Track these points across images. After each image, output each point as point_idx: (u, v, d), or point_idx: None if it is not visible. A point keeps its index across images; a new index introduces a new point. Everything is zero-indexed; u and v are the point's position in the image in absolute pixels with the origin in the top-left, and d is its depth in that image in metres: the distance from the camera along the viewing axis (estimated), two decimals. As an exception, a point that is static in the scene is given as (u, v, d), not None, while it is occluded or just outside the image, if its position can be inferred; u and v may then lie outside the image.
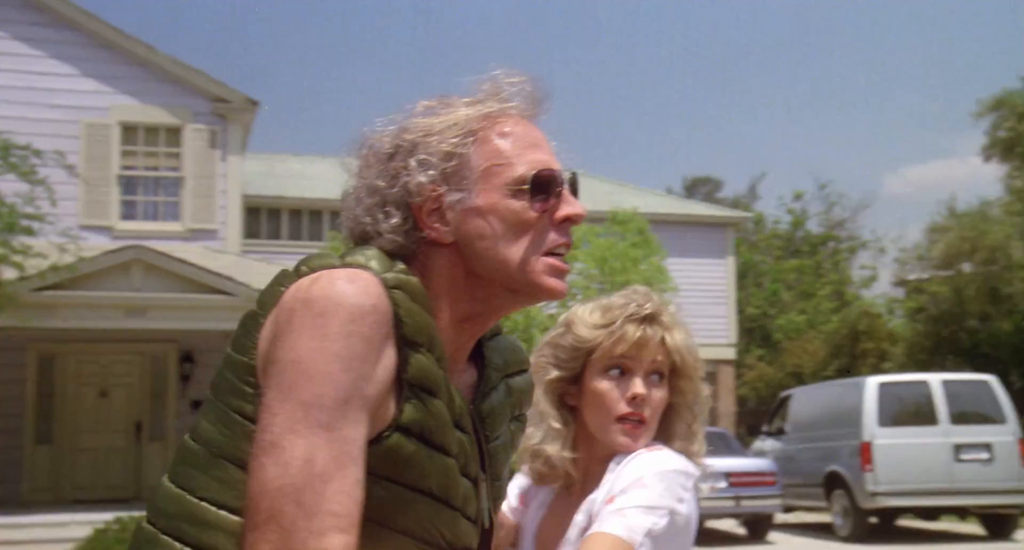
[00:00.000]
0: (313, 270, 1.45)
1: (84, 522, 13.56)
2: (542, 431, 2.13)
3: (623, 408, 2.08)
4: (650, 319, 2.12)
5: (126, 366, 17.81)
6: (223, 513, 1.42)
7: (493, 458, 1.62)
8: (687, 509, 2.02)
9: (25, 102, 17.48)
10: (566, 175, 1.60)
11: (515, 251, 1.54)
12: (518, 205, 1.54)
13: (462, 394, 1.56)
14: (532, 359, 2.12)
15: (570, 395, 2.15)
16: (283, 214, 22.53)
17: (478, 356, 1.66)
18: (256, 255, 20.52)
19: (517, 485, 2.30)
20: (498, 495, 1.66)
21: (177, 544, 1.42)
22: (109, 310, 15.05)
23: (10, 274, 12.22)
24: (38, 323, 14.74)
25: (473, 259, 1.55)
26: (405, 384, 1.44)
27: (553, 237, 1.56)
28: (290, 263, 1.61)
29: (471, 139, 1.56)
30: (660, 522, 1.96)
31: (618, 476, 2.04)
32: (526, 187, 1.54)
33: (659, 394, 2.11)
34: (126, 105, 18.10)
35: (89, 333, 16.19)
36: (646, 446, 2.11)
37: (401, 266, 1.51)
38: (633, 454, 2.08)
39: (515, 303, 1.61)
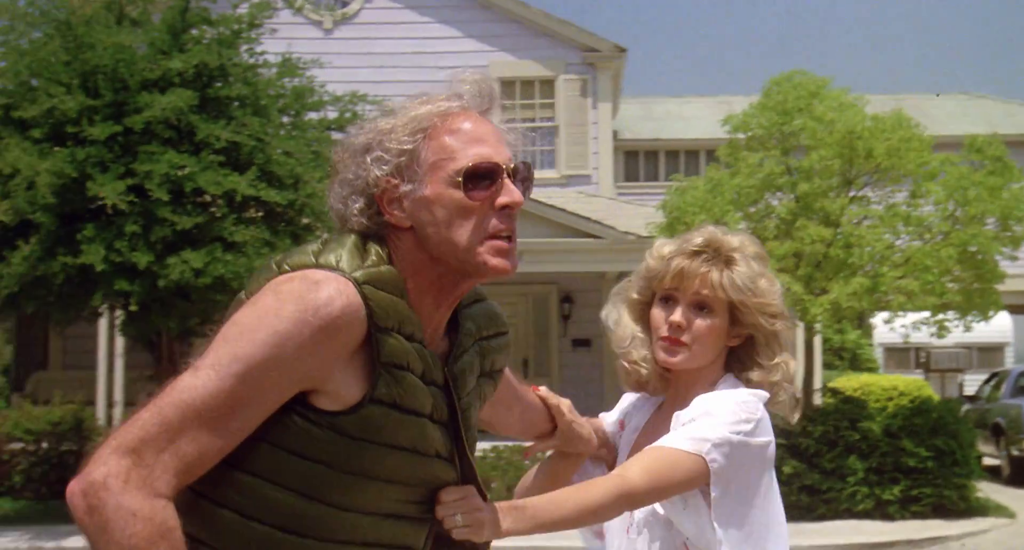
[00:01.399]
0: (293, 269, 1.74)
1: (480, 449, 14.76)
2: (628, 340, 2.37)
3: (663, 331, 2.29)
4: (697, 254, 2.28)
5: (512, 307, 19.01)
6: (226, 468, 1.72)
7: (464, 411, 1.89)
8: (757, 431, 2.19)
9: (415, 66, 18.96)
10: (510, 166, 1.81)
11: (459, 235, 1.77)
12: (459, 194, 1.77)
13: (437, 358, 1.83)
14: (622, 283, 2.43)
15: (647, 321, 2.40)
16: (660, 155, 22.91)
17: (455, 322, 1.93)
18: (633, 197, 21.06)
19: (618, 410, 2.53)
20: (471, 442, 1.92)
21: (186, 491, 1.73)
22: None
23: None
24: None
25: (427, 242, 1.79)
26: (379, 365, 1.73)
27: (495, 223, 1.78)
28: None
29: (421, 136, 1.79)
30: (730, 438, 2.15)
31: (692, 408, 2.23)
32: (460, 179, 1.76)
33: (703, 323, 2.27)
34: (503, 61, 19.14)
35: (477, 277, 17.45)
36: (722, 381, 2.31)
37: (372, 258, 1.77)
38: (713, 392, 2.27)
39: (469, 280, 1.84)
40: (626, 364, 2.37)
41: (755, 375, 2.31)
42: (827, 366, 20.35)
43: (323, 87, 12.79)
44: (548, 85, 19.15)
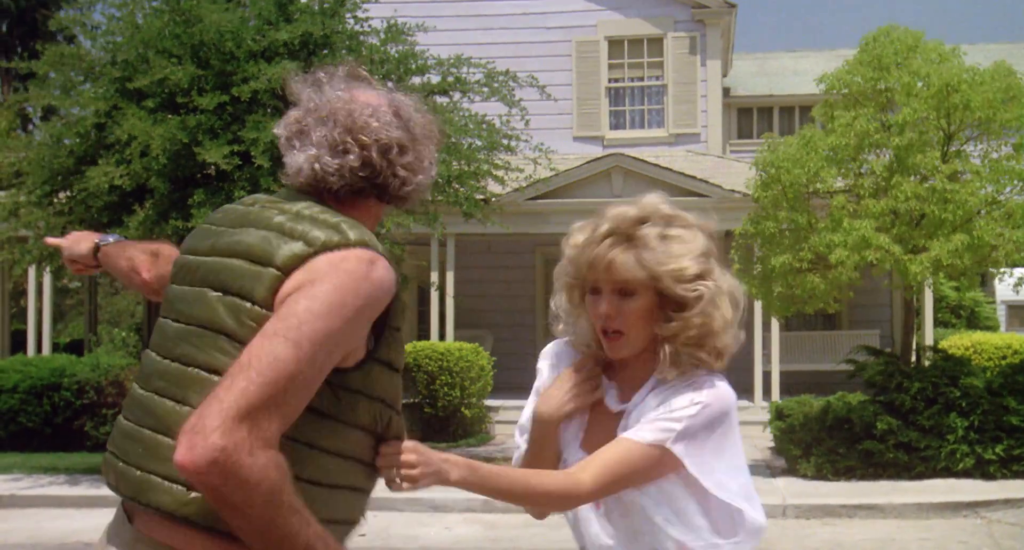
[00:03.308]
0: (328, 247, 1.94)
1: None
2: (571, 327, 2.42)
3: (599, 325, 2.31)
4: (606, 236, 2.27)
5: (620, 266, 19.13)
6: (203, 374, 1.93)
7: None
8: (714, 403, 2.25)
9: (524, 27, 19.12)
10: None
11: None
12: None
13: None
14: (558, 267, 2.42)
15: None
16: (774, 111, 22.63)
17: None
18: (747, 154, 20.91)
19: (549, 366, 2.50)
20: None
21: (168, 402, 1.96)
22: (592, 215, 16.29)
23: (494, 187, 13.71)
24: (534, 229, 16.40)
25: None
26: (388, 328, 2.01)
27: None
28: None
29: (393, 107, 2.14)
30: (692, 418, 2.22)
31: (648, 403, 2.30)
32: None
33: (631, 308, 2.26)
34: (611, 20, 19.16)
35: (585, 236, 17.62)
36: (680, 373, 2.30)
37: (369, 234, 2.01)
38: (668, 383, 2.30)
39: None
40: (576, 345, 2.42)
41: (665, 331, 2.27)
42: (944, 324, 19.98)
43: (426, 52, 13.06)
44: (656, 43, 19.11)
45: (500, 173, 13.24)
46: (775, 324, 15.39)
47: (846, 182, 11.52)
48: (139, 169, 10.65)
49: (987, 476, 11.29)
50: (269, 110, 11.09)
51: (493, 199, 13.55)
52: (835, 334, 18.23)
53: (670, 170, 16.35)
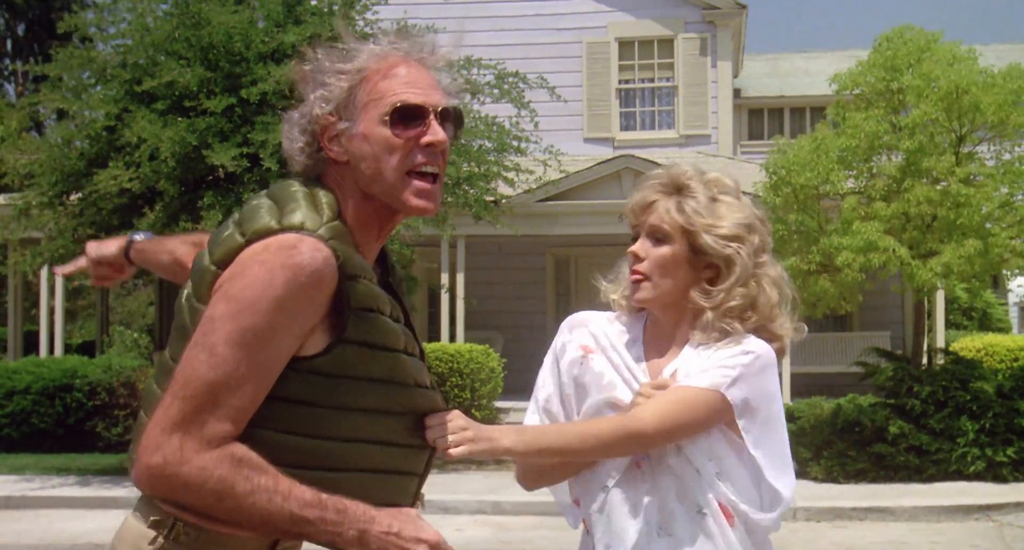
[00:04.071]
0: (260, 236, 1.89)
1: None
2: (616, 283, 2.47)
3: (628, 267, 2.37)
4: (653, 186, 2.34)
5: (630, 267, 19.12)
6: None
7: (408, 315, 2.13)
8: (766, 362, 2.28)
9: (534, 28, 19.11)
10: (437, 108, 1.99)
11: (387, 170, 1.97)
12: (386, 132, 1.96)
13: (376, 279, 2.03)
14: None
15: None
16: (785, 113, 22.59)
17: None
18: (757, 155, 20.88)
19: (571, 349, 2.46)
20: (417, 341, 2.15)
21: (160, 393, 1.95)
22: (602, 217, 16.29)
23: (504, 189, 13.72)
24: (544, 230, 16.41)
25: (361, 177, 1.99)
26: (349, 309, 1.94)
27: (419, 159, 1.97)
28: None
29: (360, 79, 1.99)
30: (746, 367, 2.25)
31: (691, 361, 2.31)
32: (388, 118, 1.95)
33: (658, 252, 2.30)
34: (622, 21, 19.13)
35: (596, 237, 17.61)
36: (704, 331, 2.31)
37: (327, 213, 1.94)
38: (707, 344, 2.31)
39: (399, 215, 2.05)
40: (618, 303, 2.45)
41: (706, 301, 2.30)
42: (955, 326, 19.91)
43: (436, 54, 13.06)
44: (667, 45, 19.08)
45: (510, 175, 13.24)
46: (786, 326, 15.32)
47: (857, 184, 11.49)
48: (148, 172, 10.69)
49: (998, 479, 11.25)
50: (278, 112, 11.11)
51: (503, 201, 13.56)
52: (846, 336, 18.18)
53: (680, 172, 16.31)
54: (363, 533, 1.90)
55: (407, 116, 1.97)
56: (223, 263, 1.92)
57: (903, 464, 11.36)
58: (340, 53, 2.02)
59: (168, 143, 10.39)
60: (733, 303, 2.29)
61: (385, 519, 1.93)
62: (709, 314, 2.29)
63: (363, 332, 1.95)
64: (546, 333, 18.74)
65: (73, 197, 12.06)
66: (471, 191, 12.64)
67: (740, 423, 2.23)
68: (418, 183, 1.98)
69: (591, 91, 18.95)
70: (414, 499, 2.09)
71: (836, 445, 11.54)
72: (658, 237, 2.30)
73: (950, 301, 19.16)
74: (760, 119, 22.67)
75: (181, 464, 1.82)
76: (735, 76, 20.38)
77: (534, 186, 14.52)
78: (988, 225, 11.18)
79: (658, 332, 2.40)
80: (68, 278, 15.93)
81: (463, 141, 12.68)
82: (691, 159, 18.00)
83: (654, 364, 2.37)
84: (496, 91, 13.34)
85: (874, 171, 11.39)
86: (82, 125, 11.82)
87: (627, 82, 19.16)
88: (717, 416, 2.24)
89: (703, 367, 2.26)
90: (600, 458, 2.31)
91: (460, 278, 16.14)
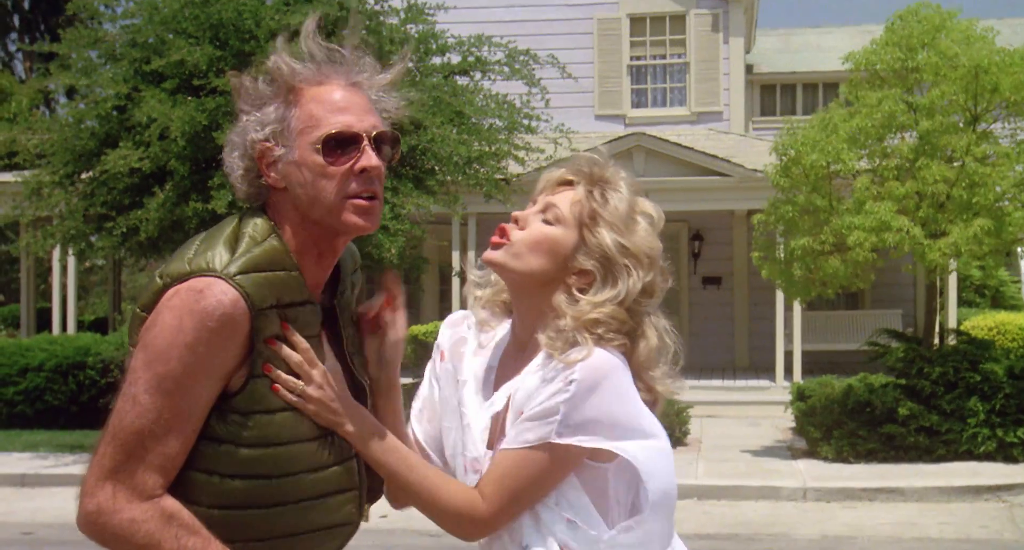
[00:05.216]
0: (174, 280, 1.90)
1: None
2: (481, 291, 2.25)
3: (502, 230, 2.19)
4: (569, 169, 2.14)
5: (643, 245, 19.08)
6: None
7: (350, 338, 2.10)
8: (585, 379, 1.97)
9: (545, 5, 19.00)
10: (371, 133, 1.96)
11: (324, 196, 1.95)
12: (320, 160, 1.95)
13: (319, 310, 2.01)
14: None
15: None
16: (797, 89, 22.44)
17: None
18: (769, 132, 20.77)
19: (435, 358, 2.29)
20: (361, 365, 2.11)
21: None
22: (613, 195, 16.26)
23: (515, 168, 13.69)
24: (555, 209, 16.34)
25: (299, 203, 1.98)
26: (255, 345, 1.92)
27: (354, 186, 1.95)
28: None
29: (294, 104, 1.97)
30: (564, 400, 1.97)
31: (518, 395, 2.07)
32: (320, 146, 1.94)
33: (539, 227, 2.09)
34: (634, -3, 19.01)
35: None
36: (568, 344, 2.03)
37: (244, 242, 1.93)
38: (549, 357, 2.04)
39: (341, 237, 2.02)
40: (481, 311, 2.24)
41: (571, 310, 2.03)
42: (968, 304, 19.84)
43: (447, 31, 13.00)
44: (679, 20, 18.97)
45: (520, 154, 13.19)
46: (797, 304, 15.32)
47: (870, 163, 11.42)
48: (158, 152, 10.68)
49: (1009, 459, 11.24)
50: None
51: (514, 179, 13.54)
52: (858, 313, 18.15)
53: (692, 149, 16.26)
54: None
55: (340, 142, 1.96)
56: (147, 307, 1.93)
57: (913, 444, 11.35)
58: (275, 76, 1.99)
59: (178, 123, 10.37)
60: (595, 316, 2.01)
61: None
62: (566, 321, 2.03)
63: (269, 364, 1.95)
64: (557, 310, 18.73)
65: (84, 176, 12.06)
66: (481, 170, 12.60)
67: (602, 446, 1.98)
68: (356, 202, 1.97)
69: (602, 68, 18.87)
70: (359, 514, 2.07)
71: (846, 425, 11.53)
72: (549, 218, 2.07)
73: (963, 279, 19.09)
74: (772, 95, 22.52)
75: (113, 513, 1.85)
76: (747, 52, 20.26)
77: (545, 164, 14.48)
78: (1003, 203, 11.11)
79: (515, 337, 2.18)
80: (80, 257, 15.98)
81: (474, 120, 12.62)
82: (703, 136, 17.92)
83: (502, 377, 2.16)
84: (507, 69, 13.28)
85: (888, 151, 11.31)
86: (92, 104, 11.81)
87: (639, 59, 19.06)
88: (558, 466, 2.00)
89: (526, 413, 2.01)
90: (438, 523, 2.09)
91: (471, 255, 16.13)
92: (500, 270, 2.11)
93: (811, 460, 11.67)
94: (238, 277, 1.90)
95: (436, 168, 12.30)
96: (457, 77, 13.24)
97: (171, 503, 1.88)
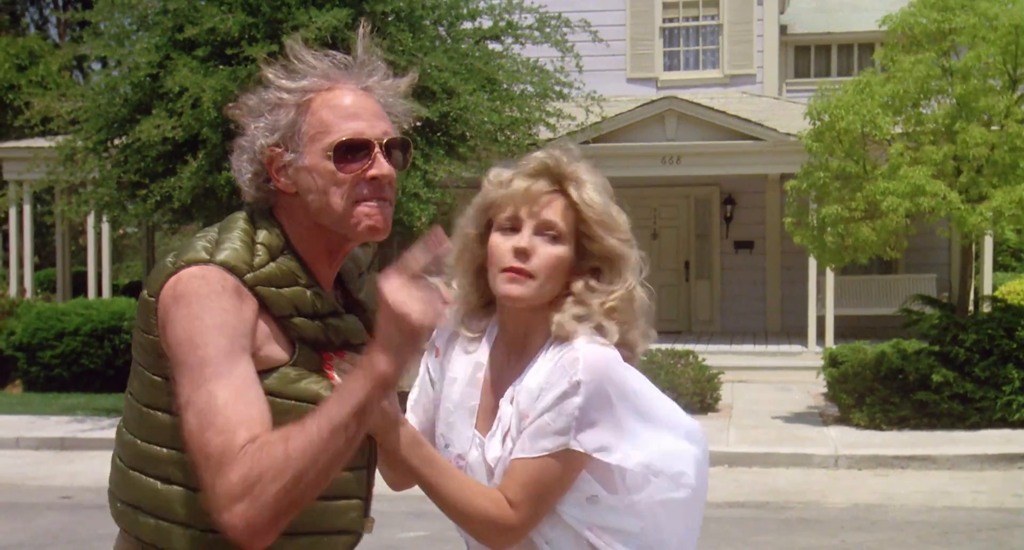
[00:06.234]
0: (188, 264, 1.87)
1: None
2: (456, 284, 2.21)
3: (507, 260, 2.08)
4: (540, 174, 2.12)
5: (674, 209, 19.03)
6: (165, 450, 1.90)
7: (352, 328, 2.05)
8: (598, 384, 2.03)
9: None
10: (382, 140, 1.94)
11: (334, 202, 1.93)
12: (331, 166, 1.93)
13: (332, 304, 1.99)
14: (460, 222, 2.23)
15: (481, 255, 2.17)
16: (832, 50, 22.15)
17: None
18: (803, 94, 20.56)
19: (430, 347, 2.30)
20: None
21: (143, 477, 1.93)
22: (645, 159, 16.20)
23: (546, 134, 13.64)
24: (586, 173, 16.30)
25: (309, 208, 1.96)
26: (298, 340, 1.91)
27: (365, 192, 1.93)
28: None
29: (305, 107, 1.94)
30: (579, 408, 2.02)
31: (525, 394, 2.09)
32: (331, 153, 1.92)
33: (550, 251, 2.08)
34: (666, -42, 18.80)
35: (640, 179, 17.51)
36: (571, 335, 2.09)
37: (260, 256, 1.90)
38: (560, 350, 2.09)
39: (351, 241, 2.01)
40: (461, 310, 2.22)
41: (593, 299, 2.10)
42: (1004, 267, 19.69)
43: (478, -6, 12.93)
44: (712, -19, 18.75)
45: (552, 120, 13.14)
46: (829, 268, 15.23)
47: (905, 128, 11.29)
48: (191, 120, 10.71)
49: (1044, 427, 11.18)
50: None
51: (546, 142, 13.49)
52: (891, 278, 18.03)
53: (724, 113, 16.13)
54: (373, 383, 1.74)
55: (352, 149, 1.94)
56: (156, 293, 1.90)
57: (947, 412, 11.31)
58: (285, 79, 1.96)
59: (210, 92, 10.39)
60: (613, 306, 2.10)
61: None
62: (586, 310, 2.09)
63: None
64: (588, 275, 18.73)
65: (117, 142, 12.13)
66: (513, 137, 12.56)
67: (607, 460, 2.03)
68: (366, 208, 1.94)
69: (634, 30, 18.70)
70: (362, 524, 2.04)
71: (879, 392, 11.49)
72: (553, 235, 2.09)
73: (999, 243, 18.91)
74: (806, 57, 22.24)
75: (248, 497, 1.68)
76: (781, 12, 20.02)
77: (576, 129, 14.43)
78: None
79: (507, 338, 2.19)
80: (113, 224, 16.11)
81: (505, 86, 12.57)
82: (736, 99, 17.77)
83: (496, 378, 2.18)
84: (537, 34, 13.20)
85: (923, 115, 11.17)
86: (125, 72, 11.84)
87: (671, 20, 18.88)
88: (576, 467, 2.05)
89: (537, 421, 2.04)
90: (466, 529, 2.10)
91: (502, 221, 16.11)
92: (525, 303, 2.10)
93: (843, 427, 11.66)
94: (258, 288, 1.89)
95: (467, 135, 12.28)
96: (488, 42, 13.17)
97: (269, 436, 1.72)
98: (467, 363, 2.22)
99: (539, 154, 2.15)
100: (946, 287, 17.28)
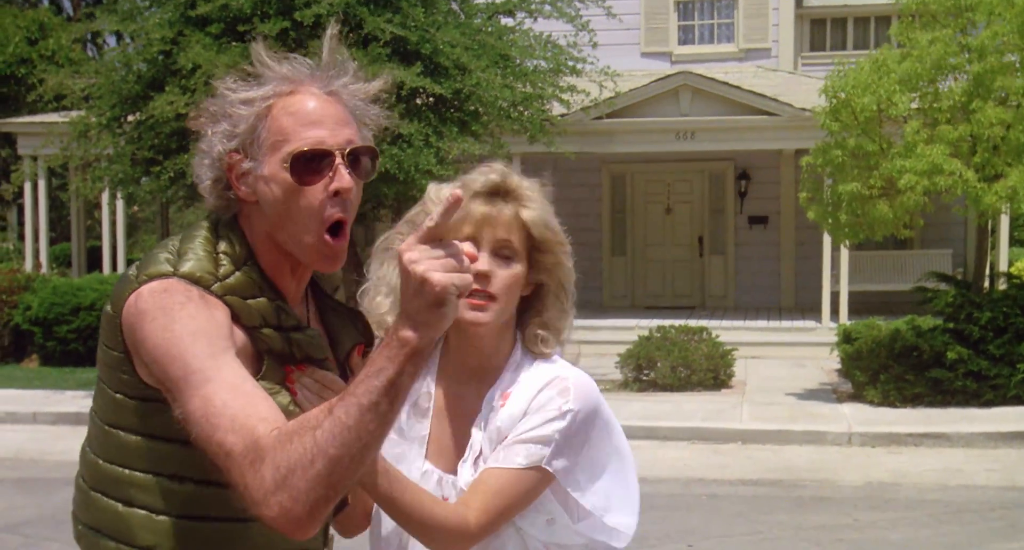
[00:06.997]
0: (151, 278, 1.78)
1: (647, 327, 14.65)
2: (389, 302, 2.10)
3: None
4: (495, 194, 2.07)
5: (688, 184, 18.97)
6: (126, 471, 1.83)
7: (336, 348, 2.02)
8: (583, 408, 2.06)
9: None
10: (344, 150, 1.80)
11: (295, 218, 1.81)
12: (289, 177, 1.80)
13: (295, 317, 1.90)
14: (387, 235, 2.15)
15: None
16: (848, 23, 21.98)
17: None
18: (819, 68, 20.42)
19: None
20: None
21: (104, 499, 1.87)
22: (659, 134, 16.13)
23: (559, 109, 13.60)
24: (600, 148, 16.28)
25: (268, 221, 1.85)
26: (264, 354, 1.83)
27: (329, 211, 1.80)
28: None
29: (265, 114, 1.81)
30: (561, 432, 2.03)
31: (508, 410, 2.07)
32: (288, 164, 1.79)
33: (507, 272, 2.05)
34: (681, -69, 18.65)
35: (653, 154, 17.46)
36: (540, 356, 2.12)
37: (224, 265, 1.82)
38: (528, 369, 2.10)
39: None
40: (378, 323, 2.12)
41: (549, 320, 2.12)
42: (1020, 243, 19.59)
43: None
44: (725, -46, 18.60)
45: (565, 96, 13.09)
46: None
47: (921, 105, 11.21)
48: (204, 97, 10.66)
49: (1059, 405, 11.16)
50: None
51: (559, 118, 13.44)
52: (906, 254, 17.96)
53: (739, 88, 16.04)
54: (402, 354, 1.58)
55: (311, 159, 1.80)
56: (117, 310, 1.82)
57: (961, 389, 11.29)
58: (243, 90, 1.84)
59: (223, 69, 10.34)
60: (565, 322, 2.14)
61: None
62: (541, 332, 2.12)
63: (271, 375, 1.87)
64: (602, 249, 18.74)
65: (130, 119, 12.13)
66: (526, 113, 12.52)
67: (568, 488, 2.07)
68: (323, 242, 1.83)
69: (649, 4, 18.58)
70: (324, 544, 2.02)
71: (893, 369, 11.48)
72: (506, 255, 2.06)
73: (1015, 218, 18.80)
74: (822, 30, 22.06)
75: (280, 482, 1.56)
76: (797, -15, 19.87)
77: (590, 104, 14.37)
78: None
79: (459, 361, 2.14)
80: (128, 201, 16.13)
81: (518, 61, 12.51)
82: (751, 73, 17.66)
83: (451, 405, 2.14)
84: (548, 7, 13.14)
85: (939, 93, 11.08)
86: (139, 48, 11.83)
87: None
88: (542, 487, 2.06)
89: (520, 435, 2.04)
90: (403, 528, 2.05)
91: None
92: (488, 328, 2.07)
93: (856, 404, 11.66)
94: (228, 297, 1.81)
95: (480, 111, 12.24)
96: (501, 17, 13.11)
97: (284, 428, 1.60)
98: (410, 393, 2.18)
99: (491, 174, 2.08)
100: (962, 263, 17.21)
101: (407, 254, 1.55)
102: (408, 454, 2.11)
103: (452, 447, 2.12)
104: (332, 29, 1.92)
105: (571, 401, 2.04)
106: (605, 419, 2.11)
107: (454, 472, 2.09)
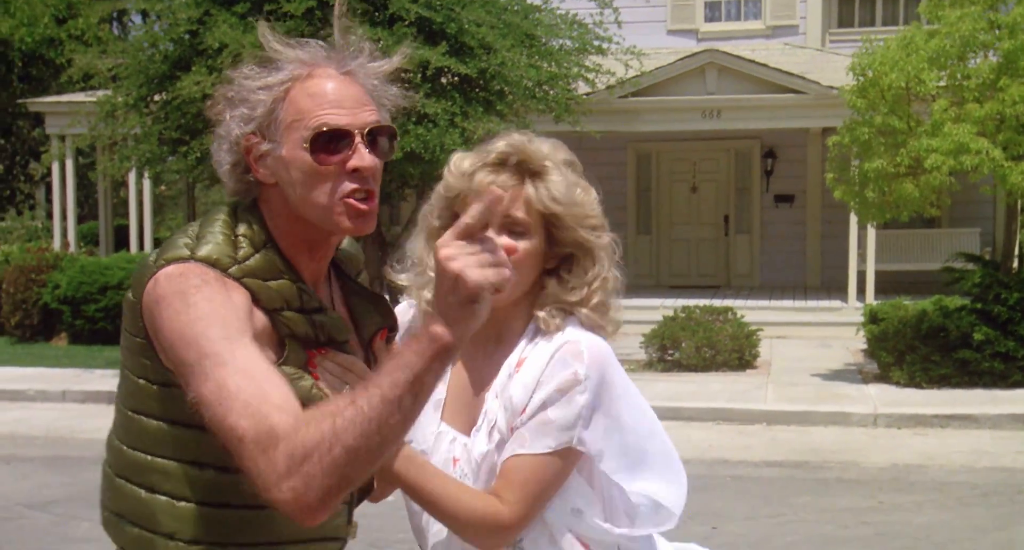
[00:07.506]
0: (169, 262, 1.79)
1: (672, 306, 14.52)
2: (423, 278, 2.11)
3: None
4: (502, 166, 2.05)
5: (713, 163, 18.89)
6: (149, 457, 1.85)
7: (361, 333, 2.02)
8: (597, 379, 2.01)
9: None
10: (364, 130, 1.82)
11: (315, 196, 1.82)
12: (309, 157, 1.81)
13: (317, 299, 1.90)
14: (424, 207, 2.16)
15: None
16: (877, -1, 21.79)
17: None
18: (848, 44, 20.24)
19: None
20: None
21: (128, 485, 1.89)
22: (685, 113, 16.06)
23: (584, 88, 13.55)
24: (625, 127, 16.22)
25: (289, 201, 1.86)
26: (286, 338, 1.83)
27: (347, 186, 1.82)
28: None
29: (282, 96, 1.82)
30: (583, 407, 2.00)
31: (522, 387, 2.04)
32: (308, 144, 1.80)
33: (521, 247, 2.03)
34: (708, -93, 18.50)
35: (679, 133, 17.38)
36: (555, 327, 2.06)
37: (244, 248, 1.83)
38: (545, 342, 2.06)
39: (333, 236, 1.92)
40: (424, 307, 2.11)
41: (572, 296, 2.07)
42: (1049, 222, 19.38)
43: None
44: (755, -70, 18.44)
45: (591, 76, 13.05)
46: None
47: (949, 83, 11.10)
48: (228, 79, 10.70)
49: (1086, 386, 11.09)
50: (358, 14, 11.02)
51: (584, 97, 13.37)
52: (934, 232, 17.84)
53: (766, 66, 15.94)
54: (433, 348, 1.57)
55: (331, 139, 1.81)
56: (137, 295, 1.84)
57: (988, 370, 11.23)
58: (259, 76, 1.85)
59: (249, 49, 10.37)
60: (597, 299, 2.08)
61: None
62: (557, 303, 2.07)
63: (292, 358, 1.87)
64: (627, 228, 18.70)
65: (157, 98, 12.18)
66: (551, 92, 12.49)
67: (602, 466, 2.03)
68: (349, 203, 1.83)
69: (675, -19, 18.45)
70: (347, 530, 2.02)
71: (920, 350, 11.42)
72: (517, 231, 2.04)
73: (1044, 197, 18.62)
74: (851, 6, 21.82)
75: (291, 468, 1.55)
76: (825, -39, 19.68)
77: (615, 83, 14.31)
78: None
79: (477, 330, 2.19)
80: (155, 181, 16.21)
81: (544, 40, 12.47)
82: (778, 51, 17.54)
83: (468, 371, 2.13)
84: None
85: (968, 71, 10.98)
86: (165, 28, 11.86)
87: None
88: (570, 467, 2.03)
89: (540, 416, 1.99)
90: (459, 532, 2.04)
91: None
92: (503, 302, 2.02)
93: (882, 385, 11.61)
94: (246, 280, 1.82)
95: (505, 91, 12.22)
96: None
97: (300, 414, 1.59)
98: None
99: (500, 144, 2.06)
100: (990, 242, 17.06)
101: (443, 250, 1.53)
102: (423, 416, 2.04)
103: (467, 412, 2.11)
104: (339, 8, 1.93)
105: (584, 365, 2.00)
106: (621, 380, 2.06)
107: (468, 435, 2.08)
